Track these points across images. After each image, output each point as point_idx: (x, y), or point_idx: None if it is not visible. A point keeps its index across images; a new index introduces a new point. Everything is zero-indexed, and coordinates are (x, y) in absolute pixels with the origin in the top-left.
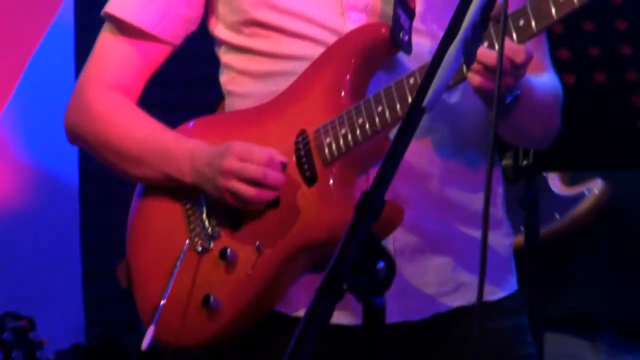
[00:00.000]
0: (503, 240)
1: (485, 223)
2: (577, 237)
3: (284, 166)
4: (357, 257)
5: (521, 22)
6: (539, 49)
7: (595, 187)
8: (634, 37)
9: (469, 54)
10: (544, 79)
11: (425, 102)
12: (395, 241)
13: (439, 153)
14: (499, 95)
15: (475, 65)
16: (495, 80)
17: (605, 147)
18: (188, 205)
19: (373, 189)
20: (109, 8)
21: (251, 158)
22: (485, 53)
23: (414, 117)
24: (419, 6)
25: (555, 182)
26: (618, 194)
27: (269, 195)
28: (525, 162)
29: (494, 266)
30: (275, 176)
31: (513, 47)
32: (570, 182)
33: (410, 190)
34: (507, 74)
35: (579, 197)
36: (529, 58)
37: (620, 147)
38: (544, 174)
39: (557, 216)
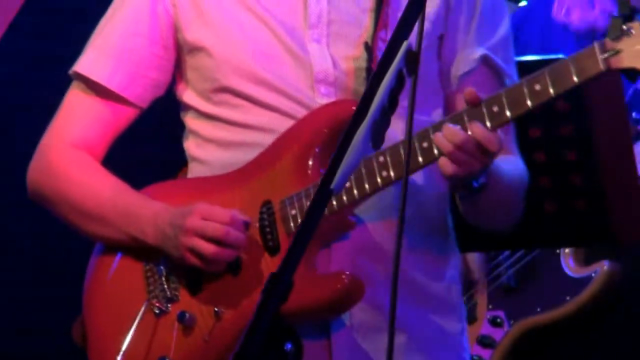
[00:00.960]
0: (456, 326)
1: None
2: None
3: (246, 225)
4: (265, 339)
5: (495, 109)
6: (508, 133)
7: (601, 269)
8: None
9: (376, 136)
10: (511, 165)
11: (333, 185)
12: (352, 317)
13: (405, 234)
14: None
15: (446, 148)
16: (464, 167)
17: (519, 227)
18: (148, 267)
19: (280, 271)
20: (78, 67)
21: (213, 217)
22: (457, 133)
23: (321, 199)
24: None
25: (569, 262)
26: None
27: (229, 254)
28: None
29: (447, 347)
30: (236, 235)
31: (486, 134)
32: (584, 262)
33: (373, 267)
34: (476, 159)
35: (588, 279)
36: (500, 148)
37: (531, 228)
38: (558, 251)
39: (568, 298)
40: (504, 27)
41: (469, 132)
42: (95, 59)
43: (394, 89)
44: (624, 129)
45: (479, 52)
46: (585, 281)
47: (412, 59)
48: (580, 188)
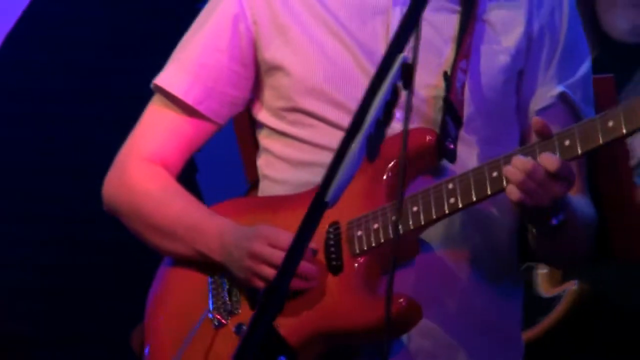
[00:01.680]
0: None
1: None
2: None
3: (314, 253)
4: (259, 352)
5: (567, 143)
6: (580, 173)
7: (570, 288)
8: None
9: (371, 150)
10: (584, 204)
11: (327, 197)
12: (410, 341)
13: (472, 261)
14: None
15: (514, 176)
16: (532, 196)
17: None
18: (213, 279)
19: (276, 282)
20: (158, 80)
21: (280, 243)
22: (526, 161)
23: (316, 211)
24: (466, 115)
25: (543, 283)
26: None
27: (299, 285)
28: None
29: None
30: (305, 266)
31: (556, 161)
32: (556, 282)
33: (438, 289)
34: (544, 188)
35: (557, 298)
36: (570, 177)
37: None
38: (534, 273)
39: (540, 319)
40: (586, 66)
41: (539, 161)
42: (174, 73)
43: (388, 101)
44: (622, 151)
45: (558, 89)
46: (555, 300)
47: (407, 72)
48: None
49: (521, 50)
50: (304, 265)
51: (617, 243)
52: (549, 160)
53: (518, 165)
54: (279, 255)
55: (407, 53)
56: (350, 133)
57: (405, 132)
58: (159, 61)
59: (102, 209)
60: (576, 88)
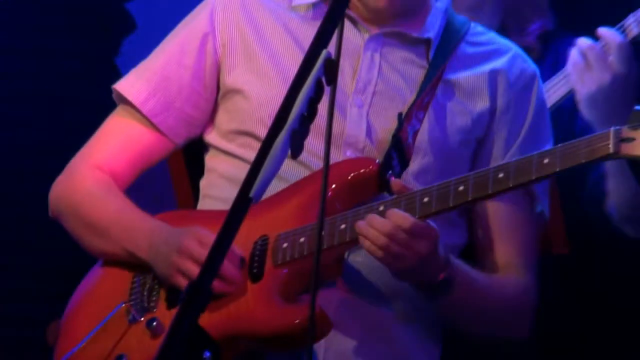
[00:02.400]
0: None
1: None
2: None
3: (242, 262)
4: (184, 348)
5: (426, 199)
6: (513, 249)
7: None
8: None
9: (295, 145)
10: (494, 280)
11: (252, 193)
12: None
13: (393, 296)
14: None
15: (364, 232)
16: (382, 252)
17: None
18: (135, 279)
19: (200, 279)
20: (118, 85)
21: (209, 243)
22: (375, 220)
23: (241, 207)
24: (417, 163)
25: None
26: None
27: (221, 287)
28: None
29: None
30: (230, 270)
31: (400, 215)
32: None
33: (350, 317)
34: (393, 243)
35: None
36: (417, 229)
37: None
38: None
39: None
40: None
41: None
42: (134, 81)
43: (312, 97)
44: None
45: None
46: None
47: (331, 67)
48: None
49: (483, 119)
50: (227, 268)
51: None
52: (402, 218)
53: (368, 221)
54: (206, 253)
55: (330, 49)
56: (274, 129)
57: (329, 127)
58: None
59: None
60: None
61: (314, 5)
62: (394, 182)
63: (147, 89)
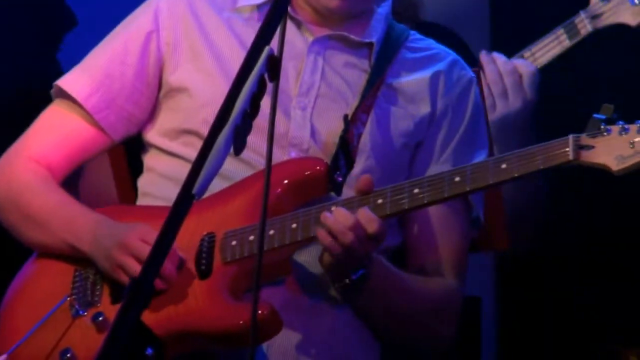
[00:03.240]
0: None
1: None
2: None
3: (180, 262)
4: (126, 344)
5: (379, 201)
6: (445, 253)
7: None
8: None
9: (238, 141)
10: (421, 282)
11: (195, 189)
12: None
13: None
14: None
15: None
16: (341, 248)
17: None
18: (77, 273)
19: (142, 276)
20: (61, 82)
21: (152, 241)
22: (344, 214)
23: (183, 204)
24: (361, 164)
25: None
26: None
27: (158, 285)
28: None
29: None
30: (169, 268)
31: (369, 215)
32: None
33: (295, 316)
34: (355, 240)
35: None
36: (380, 233)
37: None
38: None
39: None
40: (481, 156)
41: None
42: (77, 77)
43: (255, 94)
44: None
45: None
46: None
47: (274, 64)
48: None
49: (424, 123)
50: (165, 266)
51: (483, 233)
52: (369, 220)
53: (335, 215)
54: (147, 251)
55: (272, 46)
56: (217, 124)
57: (272, 124)
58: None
59: None
60: None
61: (258, 7)
62: (364, 177)
63: (90, 86)
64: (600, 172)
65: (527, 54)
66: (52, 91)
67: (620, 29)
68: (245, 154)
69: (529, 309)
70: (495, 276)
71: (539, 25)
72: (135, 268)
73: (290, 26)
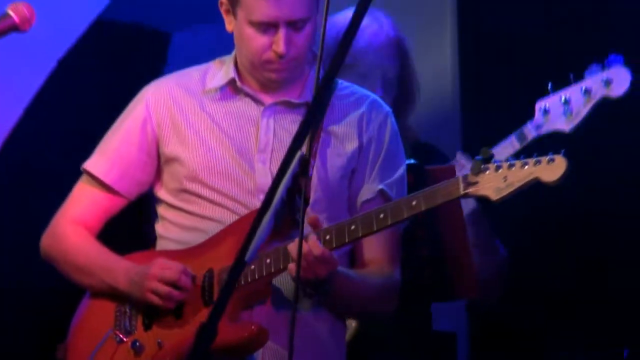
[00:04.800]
0: None
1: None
2: None
3: (193, 278)
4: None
5: (327, 237)
6: (380, 246)
7: (351, 325)
8: None
9: (278, 221)
10: (370, 275)
11: (246, 257)
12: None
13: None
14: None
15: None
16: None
17: None
18: (118, 307)
19: (208, 322)
20: (86, 165)
21: (170, 267)
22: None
23: (238, 269)
24: (313, 199)
25: None
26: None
27: (179, 294)
28: None
29: None
30: (185, 280)
31: (319, 248)
32: None
33: (280, 327)
34: (313, 270)
35: None
36: (324, 259)
37: None
38: None
39: None
40: (401, 171)
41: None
42: (97, 160)
43: (290, 187)
44: (457, 215)
45: (378, 186)
46: None
47: (304, 163)
48: (427, 259)
49: (354, 155)
50: (183, 280)
51: (456, 284)
52: (315, 247)
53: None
54: (169, 273)
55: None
56: (263, 208)
57: (303, 211)
58: None
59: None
60: (393, 186)
61: (221, 88)
62: (311, 219)
63: (108, 165)
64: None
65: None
66: (82, 168)
67: None
68: (229, 203)
69: (502, 344)
70: (468, 313)
71: (504, 125)
72: (162, 288)
73: (246, 100)
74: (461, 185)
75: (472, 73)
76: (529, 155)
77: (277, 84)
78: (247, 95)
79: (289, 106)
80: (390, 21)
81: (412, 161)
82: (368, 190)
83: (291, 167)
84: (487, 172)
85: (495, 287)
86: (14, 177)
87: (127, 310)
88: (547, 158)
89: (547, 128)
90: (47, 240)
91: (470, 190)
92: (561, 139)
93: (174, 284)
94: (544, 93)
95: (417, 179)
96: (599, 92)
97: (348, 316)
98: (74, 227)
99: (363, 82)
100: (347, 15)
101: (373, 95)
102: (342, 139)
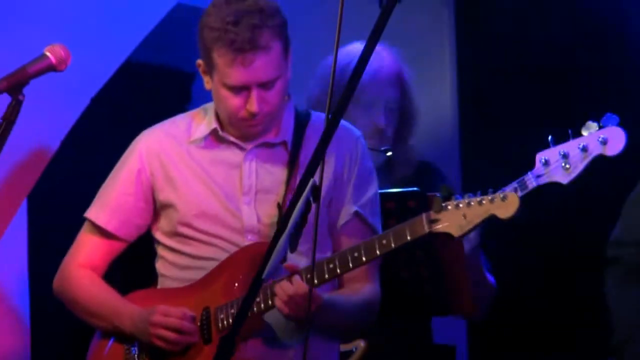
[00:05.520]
0: None
1: None
2: None
3: (193, 319)
4: None
5: (309, 276)
6: (360, 269)
7: (359, 345)
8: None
9: (292, 243)
10: (352, 299)
11: (264, 275)
12: None
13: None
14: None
15: (282, 298)
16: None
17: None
18: (127, 347)
19: (229, 335)
20: (88, 214)
21: (171, 313)
22: (286, 286)
23: (256, 286)
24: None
25: None
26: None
27: (186, 339)
28: None
29: None
30: (188, 325)
31: (301, 285)
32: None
33: (277, 352)
34: (298, 305)
35: (350, 353)
36: (304, 295)
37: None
38: None
39: None
40: (372, 191)
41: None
42: (99, 210)
43: (304, 211)
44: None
45: (353, 208)
46: (348, 354)
47: (317, 191)
48: (427, 278)
49: (331, 185)
50: (185, 325)
51: (453, 301)
52: (300, 287)
53: (283, 287)
54: (172, 320)
55: (316, 178)
56: (279, 231)
57: (315, 233)
58: None
59: None
60: (365, 206)
61: (204, 138)
62: (287, 266)
63: (108, 214)
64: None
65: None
66: (85, 216)
67: None
68: (220, 243)
69: (501, 356)
70: (468, 325)
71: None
72: (168, 334)
73: (228, 146)
74: (425, 224)
75: (470, 100)
76: (485, 192)
77: (256, 136)
78: (229, 142)
79: (268, 146)
80: (393, 53)
81: (415, 188)
82: (345, 213)
83: (304, 194)
84: (448, 209)
85: (483, 313)
86: (51, 206)
87: (135, 349)
88: (500, 195)
89: (546, 179)
90: (58, 283)
91: (434, 227)
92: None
93: (178, 330)
94: (540, 123)
95: (419, 205)
96: (595, 150)
97: (336, 336)
98: (82, 270)
99: (367, 110)
100: (349, 49)
101: (342, 123)
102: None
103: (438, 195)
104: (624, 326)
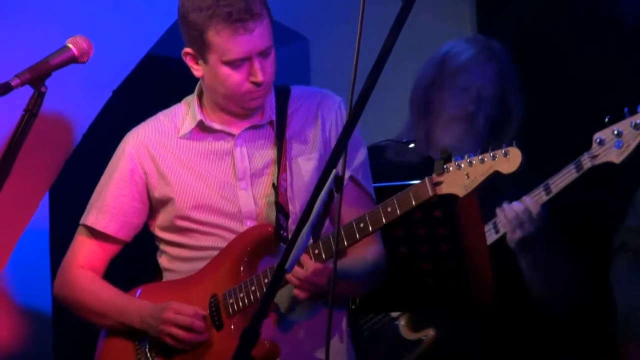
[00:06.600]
0: None
1: None
2: None
3: (204, 317)
4: None
5: (316, 251)
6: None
7: (428, 334)
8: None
9: (315, 234)
10: (362, 264)
11: (287, 266)
12: None
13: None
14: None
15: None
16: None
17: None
18: (137, 343)
19: (251, 326)
20: (85, 221)
21: (182, 311)
22: (297, 271)
23: (279, 275)
24: (293, 210)
25: (403, 328)
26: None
27: (197, 337)
28: (353, 307)
29: None
30: (199, 324)
31: (311, 264)
32: (413, 329)
33: (289, 335)
34: (314, 284)
35: (419, 341)
36: (320, 271)
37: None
38: (395, 322)
39: (405, 356)
40: (362, 155)
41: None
42: (97, 215)
43: (326, 201)
44: (479, 229)
45: (348, 173)
46: (418, 343)
47: (338, 181)
48: (451, 271)
49: (322, 152)
50: (197, 324)
51: (475, 293)
52: (319, 271)
53: (295, 273)
54: (183, 319)
55: (338, 168)
56: (302, 221)
57: (338, 225)
58: None
59: None
60: (358, 170)
61: (191, 131)
62: (309, 266)
63: (107, 218)
64: None
65: (547, 184)
66: (82, 224)
67: None
68: (220, 231)
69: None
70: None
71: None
72: (180, 333)
73: (217, 136)
74: (429, 187)
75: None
76: (485, 150)
77: (254, 111)
78: (216, 131)
79: (256, 128)
80: (503, 51)
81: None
82: None
83: (327, 184)
84: (450, 171)
85: (563, 304)
86: (73, 199)
87: (146, 344)
88: (502, 151)
89: (601, 159)
90: (58, 288)
91: (438, 190)
92: None
93: (188, 329)
94: (566, 115)
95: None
96: None
97: (348, 299)
98: (82, 271)
99: (461, 94)
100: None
101: (322, 91)
102: (307, 141)
103: (438, 158)
104: (627, 306)
